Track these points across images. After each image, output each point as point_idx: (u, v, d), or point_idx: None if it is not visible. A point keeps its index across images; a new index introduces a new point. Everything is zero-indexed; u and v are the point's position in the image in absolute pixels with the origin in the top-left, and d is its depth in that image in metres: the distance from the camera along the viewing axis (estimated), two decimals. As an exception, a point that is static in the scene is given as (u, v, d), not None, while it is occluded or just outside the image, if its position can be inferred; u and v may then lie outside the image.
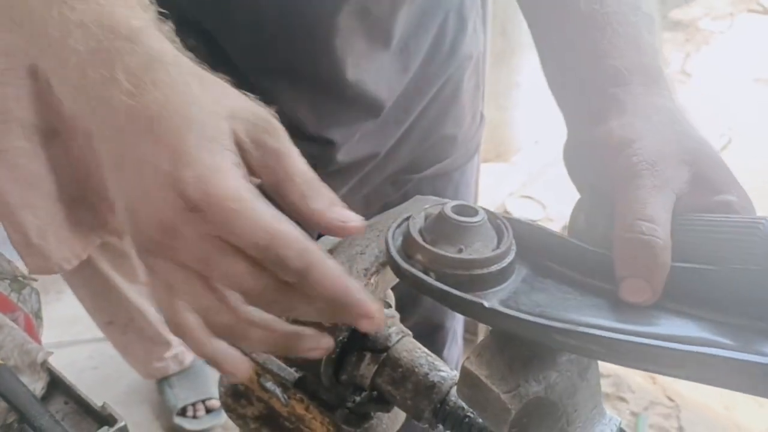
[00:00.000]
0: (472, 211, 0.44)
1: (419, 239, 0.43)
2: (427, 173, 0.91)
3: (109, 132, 0.40)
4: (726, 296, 0.39)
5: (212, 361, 0.44)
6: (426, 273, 0.42)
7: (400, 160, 0.87)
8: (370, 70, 0.74)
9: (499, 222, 0.45)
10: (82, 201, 1.33)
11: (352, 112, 0.76)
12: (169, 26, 0.44)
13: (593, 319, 0.39)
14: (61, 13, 0.40)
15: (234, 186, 0.37)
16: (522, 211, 2.16)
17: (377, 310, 0.39)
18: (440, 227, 0.43)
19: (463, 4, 0.82)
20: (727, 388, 0.35)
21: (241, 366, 0.43)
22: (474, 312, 0.40)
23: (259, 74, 0.70)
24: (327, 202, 0.40)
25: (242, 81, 0.44)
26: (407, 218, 0.46)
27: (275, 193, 0.41)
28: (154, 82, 0.39)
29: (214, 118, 0.39)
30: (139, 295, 1.54)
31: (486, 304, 0.39)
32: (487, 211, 0.45)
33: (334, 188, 0.42)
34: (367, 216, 0.46)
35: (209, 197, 0.36)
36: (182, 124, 0.38)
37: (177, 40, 0.43)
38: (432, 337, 1.03)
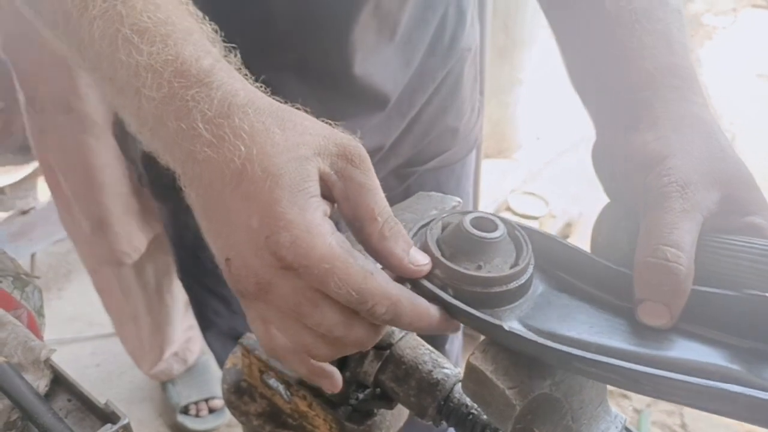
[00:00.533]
0: (492, 226, 0.43)
1: (437, 253, 0.42)
2: (429, 165, 0.92)
3: (196, 182, 0.40)
4: (743, 321, 0.38)
5: (309, 380, 0.47)
6: (443, 289, 0.41)
7: (404, 152, 0.87)
8: (377, 63, 0.74)
9: (517, 234, 0.44)
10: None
11: (358, 106, 0.76)
12: (236, 56, 0.44)
13: (609, 341, 0.39)
14: (129, 55, 0.40)
15: (326, 245, 0.38)
16: (525, 207, 2.15)
17: (458, 324, 0.42)
18: (459, 241, 0.43)
19: None
20: (745, 421, 0.35)
21: (337, 382, 0.47)
22: (492, 333, 0.40)
23: (266, 70, 0.70)
24: (403, 245, 0.42)
25: (249, 77, 0.43)
26: (424, 225, 0.45)
27: (352, 225, 0.42)
28: (234, 131, 0.39)
29: (299, 163, 0.39)
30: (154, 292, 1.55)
31: (506, 327, 0.39)
32: (505, 223, 0.44)
33: None
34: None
35: (302, 259, 0.37)
36: (269, 179, 0.38)
37: (246, 72, 0.43)
38: None
